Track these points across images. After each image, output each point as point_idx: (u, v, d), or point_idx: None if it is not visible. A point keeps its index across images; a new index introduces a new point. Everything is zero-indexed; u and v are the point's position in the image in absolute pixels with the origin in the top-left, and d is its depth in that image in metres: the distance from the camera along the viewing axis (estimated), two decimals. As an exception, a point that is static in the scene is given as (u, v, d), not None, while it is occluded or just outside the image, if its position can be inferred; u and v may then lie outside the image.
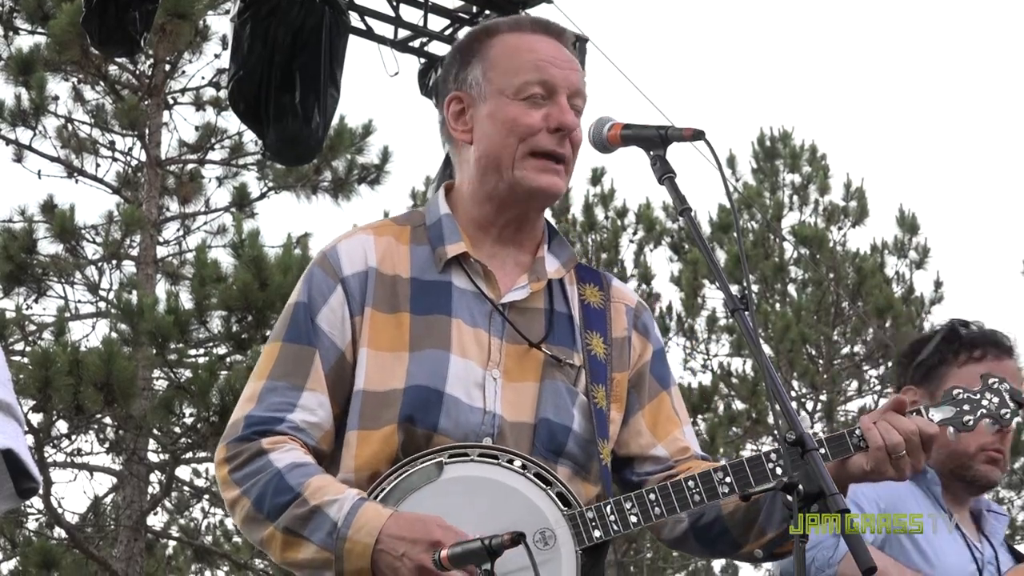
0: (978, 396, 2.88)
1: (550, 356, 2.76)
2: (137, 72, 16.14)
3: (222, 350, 13.84)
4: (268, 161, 15.79)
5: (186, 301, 13.53)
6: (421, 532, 2.51)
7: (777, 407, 2.46)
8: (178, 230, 16.70)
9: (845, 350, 23.65)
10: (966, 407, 2.86)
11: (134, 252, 15.96)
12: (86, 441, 14.77)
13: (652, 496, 2.67)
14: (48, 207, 15.63)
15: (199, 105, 16.28)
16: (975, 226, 45.34)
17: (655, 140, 2.71)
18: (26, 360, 13.02)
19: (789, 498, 2.41)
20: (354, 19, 9.21)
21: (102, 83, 16.13)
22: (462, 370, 2.70)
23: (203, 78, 16.14)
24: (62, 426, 14.12)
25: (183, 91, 16.23)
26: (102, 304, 15.78)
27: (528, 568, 2.47)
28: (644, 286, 22.60)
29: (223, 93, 15.05)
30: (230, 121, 16.10)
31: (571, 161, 2.81)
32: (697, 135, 2.67)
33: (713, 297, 22.82)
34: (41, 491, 11.60)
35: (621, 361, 2.86)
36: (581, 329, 2.83)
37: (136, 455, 14.43)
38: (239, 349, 13.28)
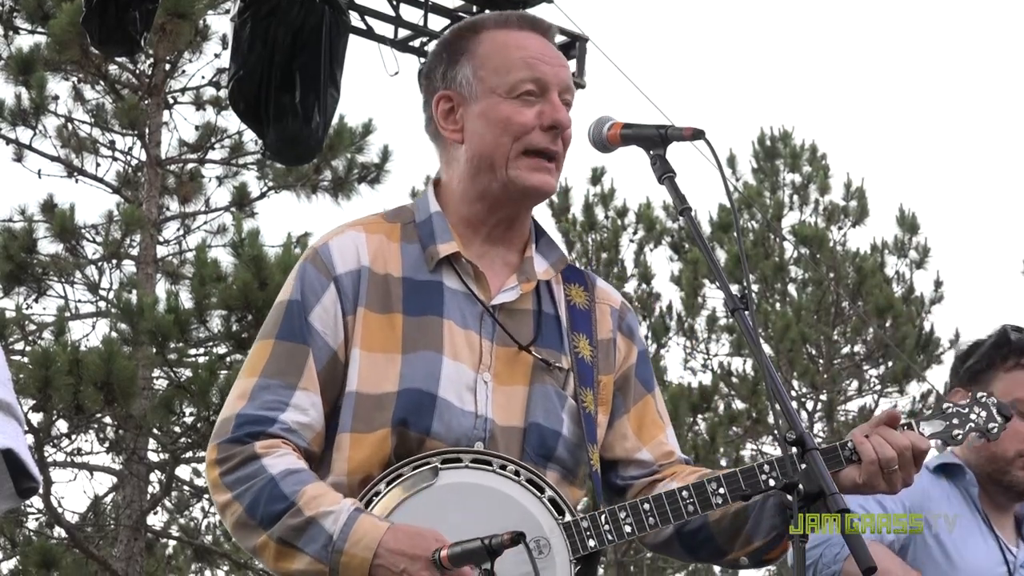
0: (967, 410, 2.90)
1: (539, 359, 2.74)
2: (137, 72, 16.14)
3: (222, 349, 13.85)
4: (268, 161, 15.79)
5: (186, 300, 13.54)
6: (421, 547, 2.49)
7: (777, 407, 2.47)
8: (178, 230, 16.72)
9: (845, 350, 23.66)
10: (955, 421, 2.89)
11: (134, 252, 15.96)
12: (86, 441, 14.79)
13: (646, 506, 2.66)
14: (48, 206, 15.63)
15: (199, 105, 16.28)
16: (975, 226, 45.36)
17: (655, 139, 2.70)
18: (26, 360, 13.03)
19: (789, 498, 2.41)
20: (354, 19, 9.22)
21: (102, 82, 16.13)
22: (454, 373, 2.68)
23: (203, 78, 16.16)
24: (62, 425, 14.14)
25: (183, 91, 16.24)
26: (102, 304, 15.79)
27: (526, 571, 2.47)
28: (644, 286, 22.63)
29: (223, 93, 15.05)
30: (230, 121, 16.12)
31: (562, 158, 2.79)
32: (697, 134, 2.67)
33: (713, 297, 22.85)
34: (41, 491, 11.61)
35: (607, 363, 2.84)
36: (568, 331, 2.81)
37: (136, 454, 14.43)
38: (239, 348, 13.28)
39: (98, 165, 16.38)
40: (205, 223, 16.64)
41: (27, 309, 15.37)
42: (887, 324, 22.52)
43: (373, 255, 2.74)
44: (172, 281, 16.15)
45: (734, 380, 22.39)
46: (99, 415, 13.49)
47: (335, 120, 11.05)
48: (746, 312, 2.53)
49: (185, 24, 14.31)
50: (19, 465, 2.38)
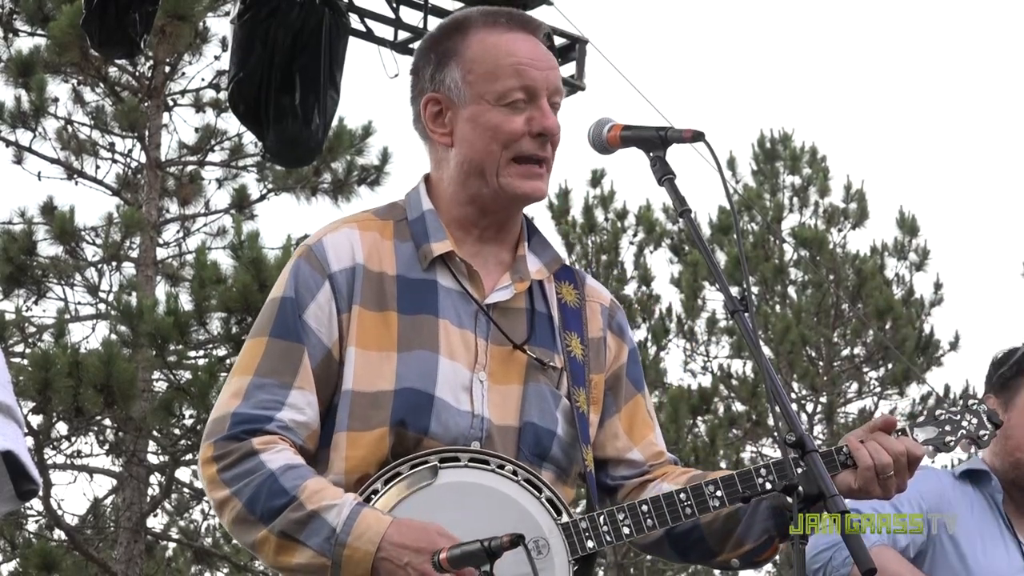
0: (959, 417, 2.92)
1: (533, 359, 2.74)
2: (137, 74, 16.14)
3: (222, 352, 13.85)
4: (268, 163, 15.79)
5: (186, 303, 13.56)
6: (425, 541, 2.49)
7: (777, 409, 2.47)
8: (178, 232, 16.73)
9: (845, 352, 23.66)
10: (947, 428, 2.90)
11: (134, 254, 15.96)
12: (86, 443, 14.80)
13: (644, 507, 2.66)
14: (48, 209, 15.63)
15: (199, 107, 16.29)
16: (975, 228, 45.40)
17: (655, 141, 2.70)
18: (26, 362, 13.04)
19: (789, 500, 2.42)
20: (354, 21, 9.23)
21: (102, 85, 16.13)
22: (450, 372, 2.67)
23: (203, 80, 16.16)
24: (62, 428, 14.15)
25: (183, 93, 16.25)
26: (102, 306, 15.79)
27: (525, 572, 2.47)
28: (644, 288, 22.62)
29: (223, 95, 15.05)
30: (230, 123, 16.11)
31: (551, 161, 2.78)
32: (697, 136, 2.66)
33: (713, 299, 22.84)
34: (41, 493, 11.63)
35: (598, 362, 2.84)
36: (560, 330, 2.80)
37: (136, 457, 14.43)
38: (239, 351, 13.24)
39: (98, 167, 16.40)
40: (205, 225, 16.66)
41: (27, 311, 15.38)
42: (887, 326, 22.52)
43: (367, 253, 2.73)
44: (172, 283, 16.16)
45: (734, 382, 22.39)
46: (99, 417, 13.49)
47: (335, 122, 11.06)
48: (746, 314, 2.54)
49: (185, 26, 14.31)
50: (19, 467, 2.37)
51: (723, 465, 19.41)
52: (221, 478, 2.61)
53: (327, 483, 2.60)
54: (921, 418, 2.90)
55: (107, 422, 14.05)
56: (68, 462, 15.00)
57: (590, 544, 2.63)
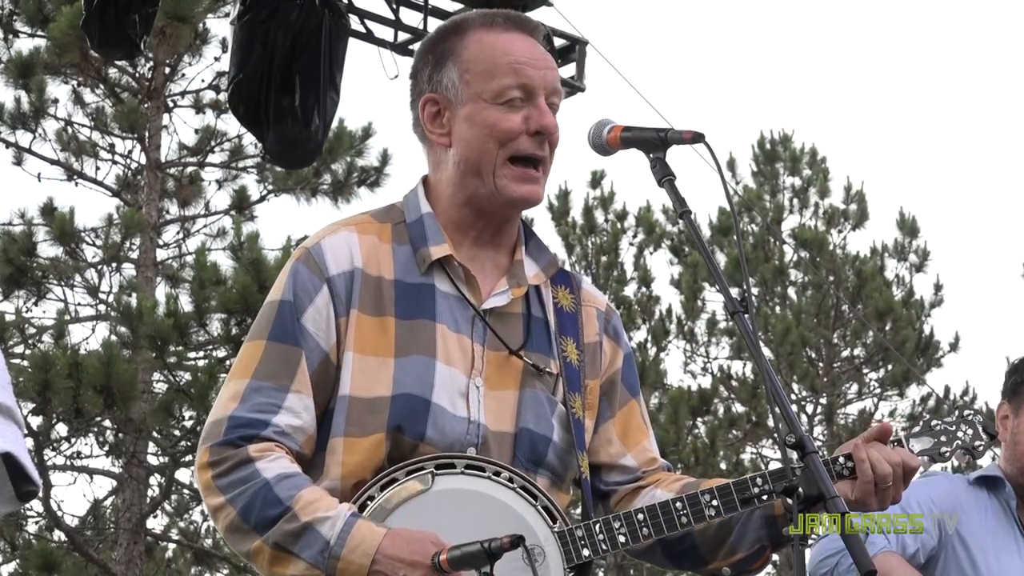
0: (954, 428, 2.92)
1: (529, 364, 2.73)
2: (137, 75, 16.15)
3: (221, 353, 13.86)
4: (268, 164, 15.80)
5: (186, 304, 13.57)
6: (420, 553, 2.48)
7: (777, 410, 2.47)
8: (178, 233, 16.74)
9: (845, 353, 23.67)
10: (943, 438, 2.90)
11: (134, 255, 15.97)
12: (86, 444, 14.82)
13: (640, 516, 2.65)
14: (48, 210, 15.64)
15: (199, 108, 16.30)
16: (975, 229, 45.38)
17: (655, 143, 2.70)
18: (26, 363, 13.04)
19: (789, 501, 2.42)
20: (354, 22, 9.22)
21: (102, 86, 16.15)
22: (447, 378, 2.66)
23: (203, 81, 16.18)
24: (62, 429, 14.16)
25: (183, 94, 16.26)
26: (102, 307, 15.80)
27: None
28: (644, 289, 22.64)
29: (223, 96, 15.07)
30: (230, 124, 16.13)
31: (549, 162, 2.77)
32: (697, 138, 2.66)
33: (713, 300, 22.86)
34: (41, 494, 11.62)
35: (593, 368, 2.83)
36: (556, 335, 2.79)
37: (136, 458, 14.44)
38: (238, 352, 13.28)
39: (98, 168, 16.42)
40: (205, 226, 16.68)
41: (27, 312, 15.40)
42: (887, 327, 22.53)
43: (366, 256, 2.72)
44: (172, 284, 16.17)
45: (734, 383, 22.40)
46: (99, 418, 13.50)
47: (335, 123, 11.06)
48: (746, 315, 2.53)
49: (185, 27, 14.32)
50: (19, 469, 2.37)
51: (723, 467, 19.42)
52: (216, 485, 2.60)
53: (322, 493, 2.59)
54: (916, 428, 2.89)
55: (107, 423, 14.06)
56: (68, 463, 15.01)
57: (586, 552, 2.63)
